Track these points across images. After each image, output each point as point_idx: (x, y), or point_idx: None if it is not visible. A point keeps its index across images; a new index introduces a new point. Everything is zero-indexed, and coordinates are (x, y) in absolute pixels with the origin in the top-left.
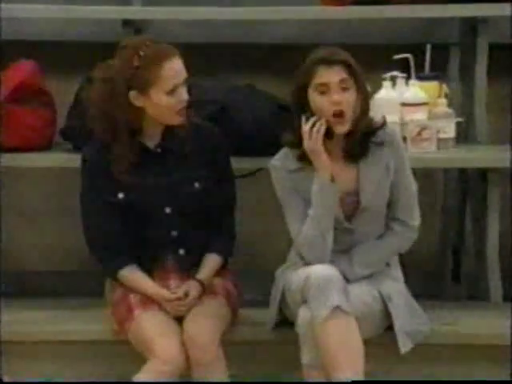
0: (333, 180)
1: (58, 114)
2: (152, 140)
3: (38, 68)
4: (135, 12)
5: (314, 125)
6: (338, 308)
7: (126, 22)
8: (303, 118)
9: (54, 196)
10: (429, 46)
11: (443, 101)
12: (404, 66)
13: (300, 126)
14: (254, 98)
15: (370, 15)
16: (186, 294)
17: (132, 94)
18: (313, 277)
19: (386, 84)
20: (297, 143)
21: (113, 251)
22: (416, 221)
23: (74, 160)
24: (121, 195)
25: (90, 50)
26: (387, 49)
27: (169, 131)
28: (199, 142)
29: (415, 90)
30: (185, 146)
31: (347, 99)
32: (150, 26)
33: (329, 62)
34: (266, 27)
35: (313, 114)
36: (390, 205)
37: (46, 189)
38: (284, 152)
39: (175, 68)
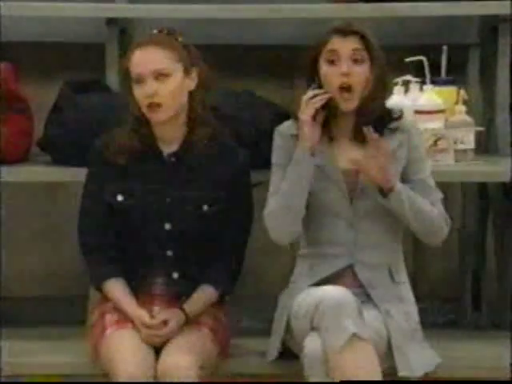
0: (313, 154)
1: (34, 123)
2: (169, 147)
3: (13, 71)
4: (120, 10)
5: (315, 96)
6: (354, 336)
7: (110, 21)
8: (310, 89)
9: (30, 214)
10: (445, 48)
11: (461, 108)
12: (418, 70)
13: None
14: (253, 106)
15: (381, 13)
16: (165, 323)
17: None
18: (325, 302)
19: (398, 89)
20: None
21: (103, 258)
22: (436, 205)
23: (53, 174)
24: (120, 197)
25: (71, 52)
26: (399, 50)
27: (189, 142)
28: (220, 161)
29: (430, 96)
30: (202, 162)
31: (358, 72)
32: (136, 26)
33: (344, 33)
34: (266, 27)
35: (321, 87)
36: None
37: (22, 206)
38: (295, 120)
39: (141, 57)
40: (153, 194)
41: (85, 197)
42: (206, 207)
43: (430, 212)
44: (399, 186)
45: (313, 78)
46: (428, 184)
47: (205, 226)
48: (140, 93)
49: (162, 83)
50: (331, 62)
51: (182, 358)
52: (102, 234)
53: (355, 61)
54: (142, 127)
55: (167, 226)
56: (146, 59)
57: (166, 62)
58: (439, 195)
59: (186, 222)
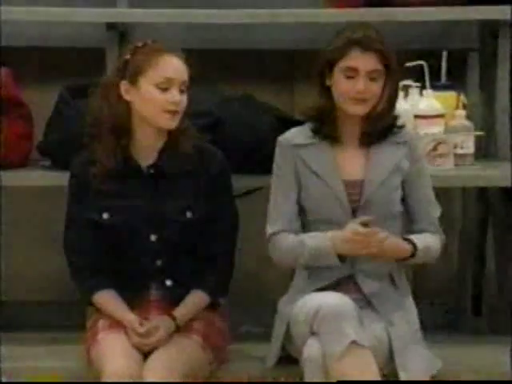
0: (342, 260)
1: (35, 128)
2: (146, 159)
3: (13, 76)
4: (121, 15)
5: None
6: (353, 343)
7: (111, 26)
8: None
9: (30, 218)
10: (445, 53)
11: (461, 112)
12: (418, 75)
13: (320, 97)
14: (251, 110)
15: (381, 18)
16: (156, 329)
17: (123, 84)
18: (324, 308)
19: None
20: (314, 116)
21: (90, 272)
22: (436, 224)
23: (52, 178)
24: (105, 215)
25: (71, 57)
26: (399, 55)
27: (167, 152)
28: (198, 165)
29: (430, 101)
30: (182, 170)
31: (373, 89)
32: (136, 30)
33: (365, 48)
34: (264, 32)
35: (330, 88)
36: (410, 216)
37: (21, 211)
38: (298, 129)
39: (173, 64)
40: (137, 207)
41: (68, 215)
42: (189, 214)
43: (434, 248)
44: (412, 250)
45: (324, 78)
46: (430, 199)
47: (190, 232)
48: (164, 98)
49: (182, 95)
50: (348, 77)
51: (165, 365)
52: (87, 250)
53: (371, 78)
54: (120, 139)
55: (153, 238)
56: (179, 68)
57: (187, 77)
58: (438, 211)
59: (171, 231)
